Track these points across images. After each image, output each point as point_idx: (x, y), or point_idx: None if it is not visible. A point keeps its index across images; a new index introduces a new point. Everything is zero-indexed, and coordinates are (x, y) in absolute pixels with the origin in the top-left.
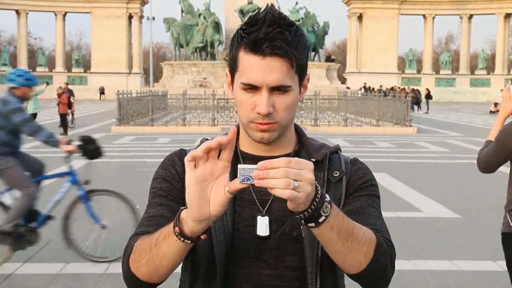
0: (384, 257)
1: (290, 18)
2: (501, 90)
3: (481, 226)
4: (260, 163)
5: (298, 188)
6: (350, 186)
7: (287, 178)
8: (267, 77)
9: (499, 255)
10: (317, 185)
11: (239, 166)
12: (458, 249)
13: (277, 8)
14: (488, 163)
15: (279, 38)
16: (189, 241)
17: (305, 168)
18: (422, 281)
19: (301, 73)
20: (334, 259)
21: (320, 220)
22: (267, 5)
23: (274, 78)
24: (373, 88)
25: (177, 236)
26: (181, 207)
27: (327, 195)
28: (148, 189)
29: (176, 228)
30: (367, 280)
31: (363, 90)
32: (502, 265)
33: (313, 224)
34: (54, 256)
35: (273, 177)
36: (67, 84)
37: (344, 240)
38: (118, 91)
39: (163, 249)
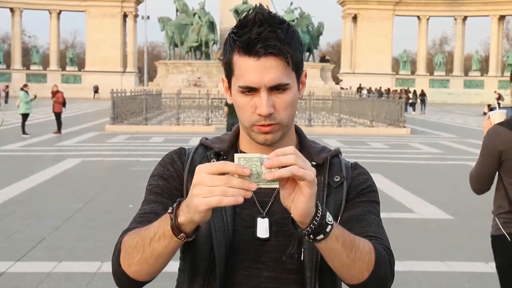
0: (384, 266)
1: (285, 19)
2: (495, 91)
3: (473, 227)
4: (272, 154)
5: (305, 175)
6: (351, 191)
7: (297, 165)
8: (264, 77)
9: (491, 256)
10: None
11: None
12: (451, 250)
13: (266, 7)
14: (481, 175)
15: (271, 37)
16: (190, 238)
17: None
18: (414, 282)
19: (298, 69)
20: (337, 272)
21: (328, 229)
22: (256, 5)
23: (271, 77)
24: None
25: (179, 238)
26: (174, 210)
27: (327, 211)
28: (141, 188)
29: (182, 234)
30: None
31: (365, 91)
32: (494, 266)
33: (322, 236)
34: (46, 255)
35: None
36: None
37: (348, 251)
38: (112, 90)
39: (158, 249)
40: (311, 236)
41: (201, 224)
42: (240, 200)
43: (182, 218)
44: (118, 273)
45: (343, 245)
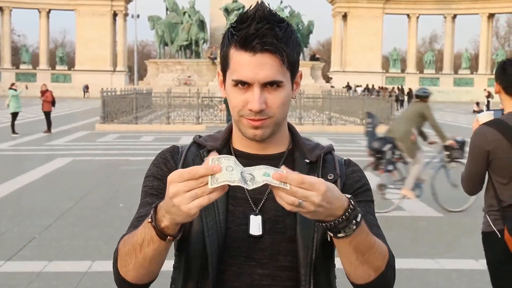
0: (390, 270)
1: None
2: (484, 89)
3: (463, 225)
4: (275, 174)
5: (301, 205)
6: (346, 189)
7: (294, 198)
8: (258, 73)
9: (481, 253)
10: (353, 205)
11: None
12: (441, 248)
13: (267, 5)
14: (471, 175)
15: (269, 34)
16: (178, 237)
17: (317, 191)
18: (404, 280)
19: (293, 69)
20: (344, 267)
21: (339, 235)
22: (257, 2)
23: (265, 74)
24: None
25: (167, 241)
26: (153, 218)
27: (359, 215)
28: (131, 187)
29: (169, 237)
30: None
31: (360, 89)
32: (484, 263)
33: (331, 235)
34: (37, 254)
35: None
36: None
37: (359, 255)
38: (102, 89)
39: (150, 253)
40: (324, 228)
41: (193, 222)
42: (225, 188)
43: (165, 223)
44: (119, 280)
45: (355, 250)
